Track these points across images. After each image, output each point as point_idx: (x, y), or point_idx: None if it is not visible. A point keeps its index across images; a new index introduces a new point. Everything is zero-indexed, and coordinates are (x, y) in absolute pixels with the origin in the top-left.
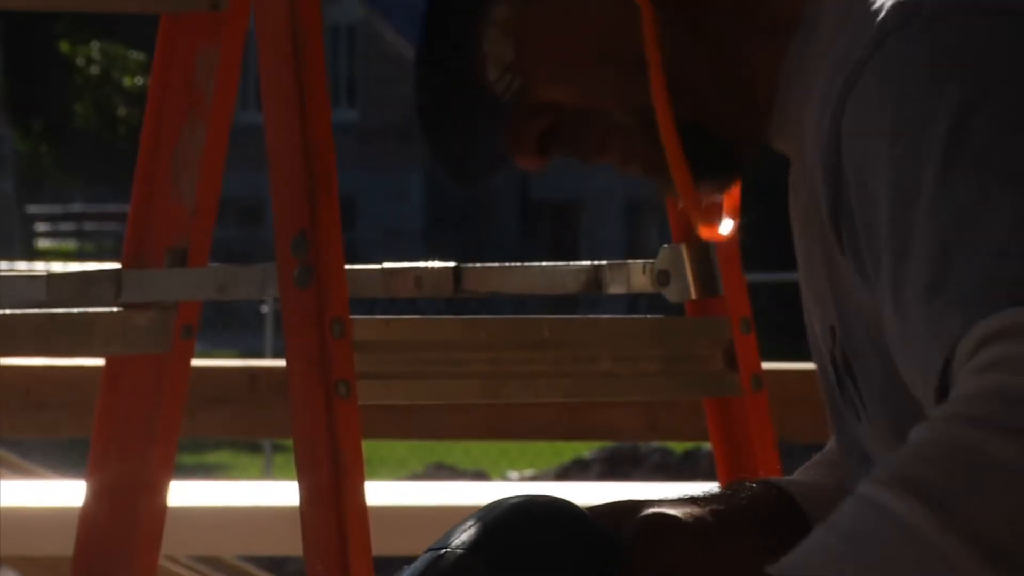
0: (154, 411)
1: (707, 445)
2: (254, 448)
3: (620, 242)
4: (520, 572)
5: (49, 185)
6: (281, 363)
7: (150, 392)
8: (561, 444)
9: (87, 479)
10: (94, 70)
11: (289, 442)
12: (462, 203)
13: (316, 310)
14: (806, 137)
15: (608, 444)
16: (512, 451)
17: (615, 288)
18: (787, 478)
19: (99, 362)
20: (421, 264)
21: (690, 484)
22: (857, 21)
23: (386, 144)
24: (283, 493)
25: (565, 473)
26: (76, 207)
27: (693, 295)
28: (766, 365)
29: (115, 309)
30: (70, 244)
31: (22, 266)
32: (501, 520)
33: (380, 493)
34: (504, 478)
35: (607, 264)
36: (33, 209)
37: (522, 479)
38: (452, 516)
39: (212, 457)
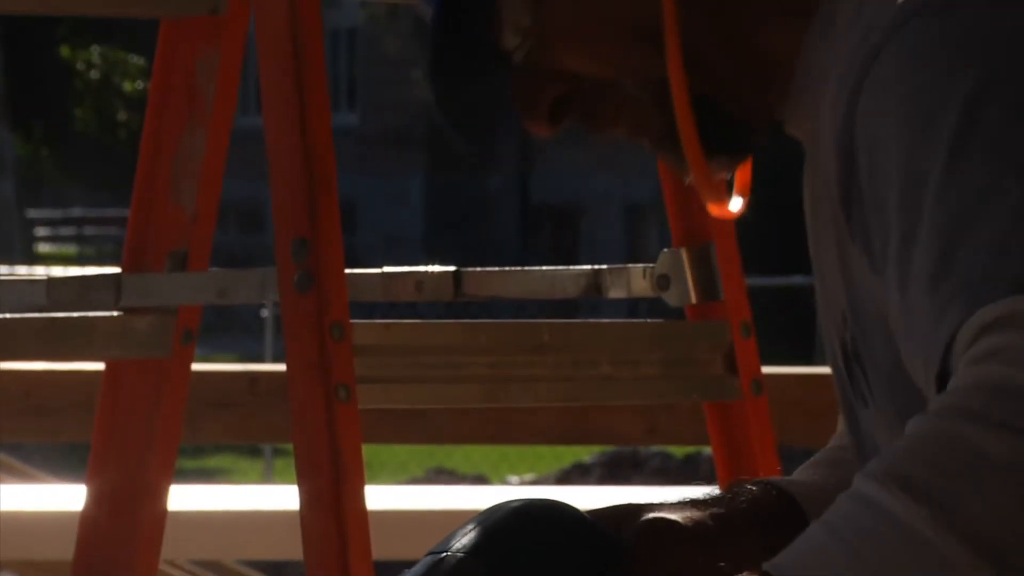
0: (154, 415)
1: (707, 449)
2: (254, 452)
3: (620, 246)
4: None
5: (49, 189)
6: (281, 367)
7: (150, 396)
8: (561, 448)
9: (87, 483)
10: (94, 74)
11: (289, 446)
12: (462, 207)
13: (316, 314)
14: (821, 122)
15: (608, 448)
16: (512, 455)
17: (615, 292)
18: (787, 478)
19: (99, 366)
20: (421, 268)
21: (690, 488)
22: (875, 7)
23: (386, 148)
24: (283, 497)
25: (565, 477)
26: (76, 211)
27: (693, 299)
28: (766, 369)
29: (115, 313)
30: (70, 248)
31: (22, 270)
32: (501, 524)
33: (380, 497)
34: (504, 482)
35: (607, 268)
36: (33, 213)
37: (522, 483)
38: (452, 520)
39: (212, 461)
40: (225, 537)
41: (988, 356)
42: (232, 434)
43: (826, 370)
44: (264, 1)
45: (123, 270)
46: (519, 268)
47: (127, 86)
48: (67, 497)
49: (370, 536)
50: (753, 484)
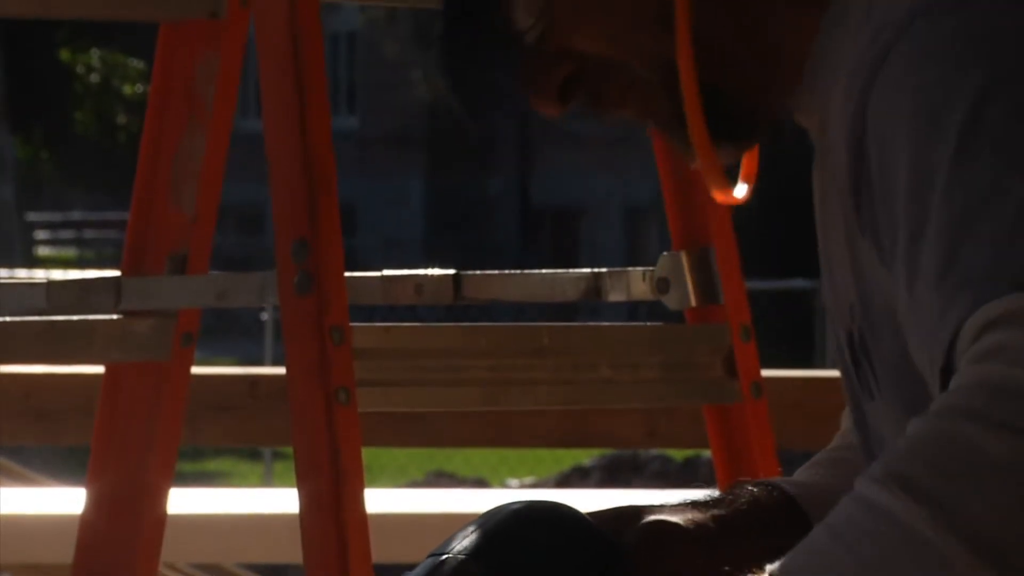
0: (154, 418)
1: (707, 452)
2: (254, 455)
3: (620, 249)
4: None
5: (49, 192)
6: (281, 370)
7: (150, 399)
8: (561, 451)
9: (87, 486)
10: (94, 78)
11: (289, 449)
12: (462, 210)
13: (316, 317)
14: (831, 116)
15: (608, 451)
16: (512, 458)
17: (615, 296)
18: (788, 479)
19: (99, 369)
20: (421, 271)
21: (690, 492)
22: (886, 4)
23: (386, 151)
24: (283, 500)
25: (565, 481)
26: (76, 214)
27: (693, 302)
28: (766, 372)
29: (115, 316)
30: (70, 251)
31: (22, 273)
32: (502, 526)
33: (380, 500)
34: (504, 486)
35: (607, 271)
36: (33, 216)
37: (522, 487)
38: (452, 523)
39: (212, 464)
40: (225, 540)
41: (989, 354)
42: (232, 437)
43: (826, 373)
44: (264, 5)
45: (123, 273)
46: (519, 271)
47: (127, 89)
48: (67, 500)
49: (370, 539)
50: (754, 485)
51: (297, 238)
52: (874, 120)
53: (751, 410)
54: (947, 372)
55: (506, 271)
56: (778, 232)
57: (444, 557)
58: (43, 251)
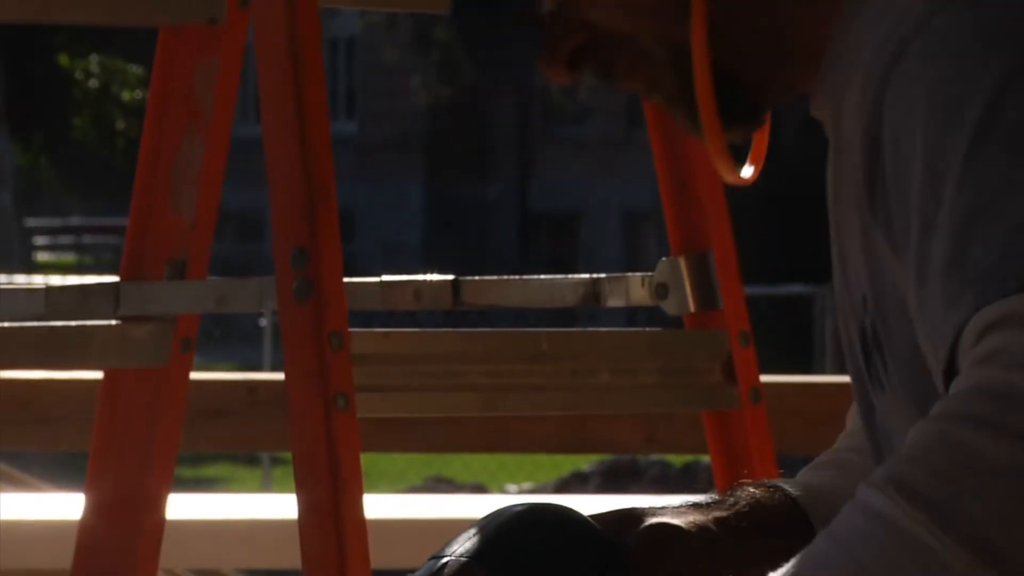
0: (153, 424)
1: (706, 458)
2: (253, 461)
3: (619, 254)
4: None
5: (48, 198)
6: (280, 376)
7: (149, 405)
8: (560, 457)
9: (86, 492)
10: (93, 84)
11: (288, 455)
12: (461, 215)
13: (315, 323)
14: (847, 108)
15: (607, 457)
16: (511, 464)
17: (614, 301)
18: (790, 480)
19: (98, 375)
20: (420, 277)
21: (686, 497)
22: None
23: (385, 157)
24: (282, 506)
25: (564, 486)
26: (75, 220)
27: (692, 308)
28: (765, 378)
29: (114, 322)
30: (69, 257)
31: (21, 279)
32: (504, 528)
33: (379, 506)
34: (503, 491)
35: (605, 277)
36: (32, 222)
37: (521, 492)
38: (450, 529)
39: (211, 470)
40: (223, 546)
41: (989, 357)
42: (231, 443)
43: (825, 379)
44: (263, 10)
45: (121, 278)
46: (517, 277)
47: (126, 95)
48: (66, 506)
49: (368, 545)
50: (755, 487)
51: (296, 245)
52: (890, 114)
53: (750, 416)
54: (950, 372)
55: (505, 276)
56: (777, 237)
57: (445, 559)
58: (42, 256)
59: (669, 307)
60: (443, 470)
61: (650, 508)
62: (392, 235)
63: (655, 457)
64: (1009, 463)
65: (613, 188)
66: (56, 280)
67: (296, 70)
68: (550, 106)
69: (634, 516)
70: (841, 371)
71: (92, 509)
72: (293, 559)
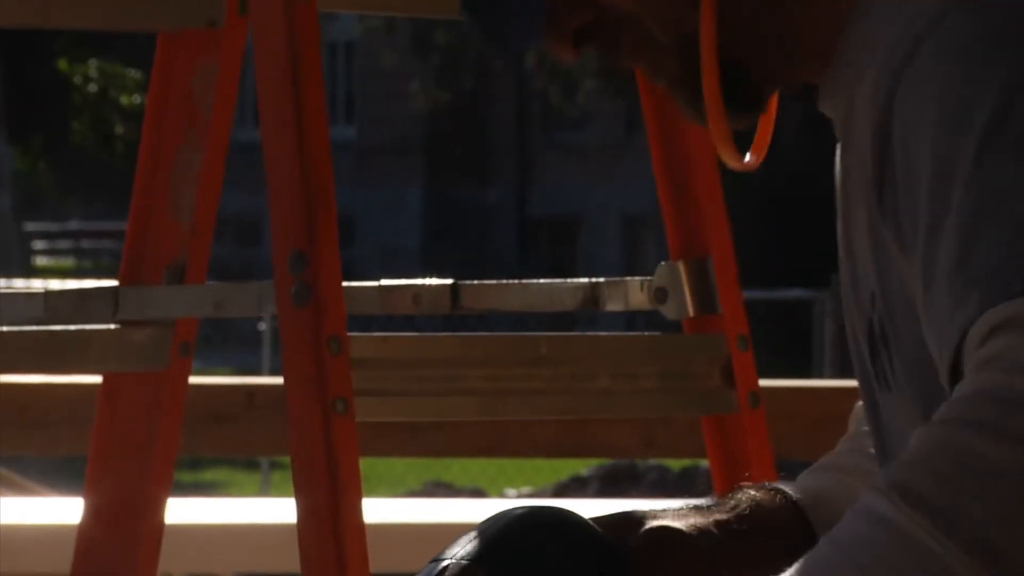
0: (152, 428)
1: (704, 462)
2: (251, 465)
3: (618, 259)
4: None
5: (47, 202)
6: (279, 380)
7: (148, 409)
8: (559, 461)
9: (85, 496)
10: (92, 88)
11: (287, 459)
12: (460, 220)
13: (314, 328)
14: (858, 104)
15: (606, 461)
16: (510, 468)
17: (613, 305)
18: (792, 483)
19: (97, 379)
20: (419, 281)
21: (690, 500)
22: None
23: (384, 161)
24: (281, 510)
25: (563, 490)
26: (74, 224)
27: (691, 312)
28: (763, 382)
29: (112, 326)
30: (68, 261)
31: (20, 283)
32: (504, 531)
33: (378, 510)
34: (502, 495)
35: (604, 281)
36: (31, 226)
37: (520, 496)
38: (449, 533)
39: (209, 474)
40: (222, 550)
41: (992, 361)
42: (229, 447)
43: (824, 383)
44: (262, 14)
45: (120, 283)
46: (516, 281)
47: (125, 100)
48: (65, 510)
49: (367, 549)
50: (756, 489)
51: (295, 249)
52: (901, 113)
53: (749, 420)
54: (955, 373)
55: (504, 281)
56: (776, 242)
57: (446, 562)
58: (41, 261)
59: (668, 311)
60: (442, 474)
61: (650, 511)
62: (391, 239)
63: (654, 461)
64: (1011, 467)
65: (612, 192)
66: (55, 284)
67: (295, 74)
68: (549, 111)
69: (634, 519)
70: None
71: (91, 513)
72: (292, 563)
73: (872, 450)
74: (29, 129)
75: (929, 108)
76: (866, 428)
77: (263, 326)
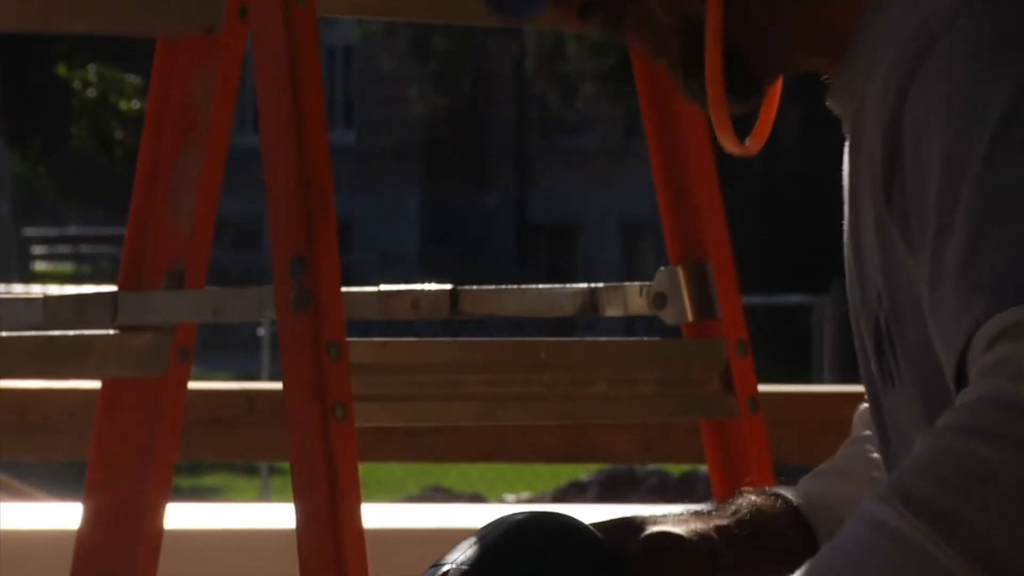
0: (151, 433)
1: (704, 467)
2: (251, 471)
3: (617, 264)
4: None
5: (46, 208)
6: (278, 386)
7: (147, 414)
8: (558, 467)
9: (84, 501)
10: (91, 93)
11: (286, 465)
12: (459, 225)
13: (313, 333)
14: (868, 102)
15: (605, 466)
16: (509, 473)
17: (612, 311)
18: (792, 488)
19: (96, 384)
20: (418, 286)
21: (687, 506)
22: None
23: (383, 166)
24: (280, 516)
25: (562, 496)
26: (73, 230)
27: (690, 317)
28: (763, 387)
29: (111, 332)
30: (67, 267)
31: (19, 289)
32: (504, 536)
33: (377, 515)
34: (501, 501)
35: (604, 287)
36: (30, 232)
37: (519, 501)
38: (449, 539)
39: (209, 480)
40: (222, 556)
41: (996, 367)
42: (229, 452)
43: (823, 388)
44: (261, 19)
45: (119, 288)
46: (516, 286)
47: (124, 105)
48: (64, 515)
49: (366, 554)
50: (756, 494)
51: (294, 254)
52: (912, 111)
53: (748, 425)
54: (960, 376)
55: (503, 286)
56: (775, 247)
57: (446, 567)
58: (40, 266)
59: (667, 316)
60: (441, 479)
61: (651, 516)
62: (390, 244)
63: (653, 466)
64: (1014, 474)
65: (611, 198)
66: (54, 290)
67: (294, 79)
68: (548, 116)
69: (635, 525)
70: (839, 380)
71: (90, 518)
72: (291, 569)
73: (874, 455)
74: (28, 134)
75: (940, 108)
76: (867, 433)
77: (262, 331)
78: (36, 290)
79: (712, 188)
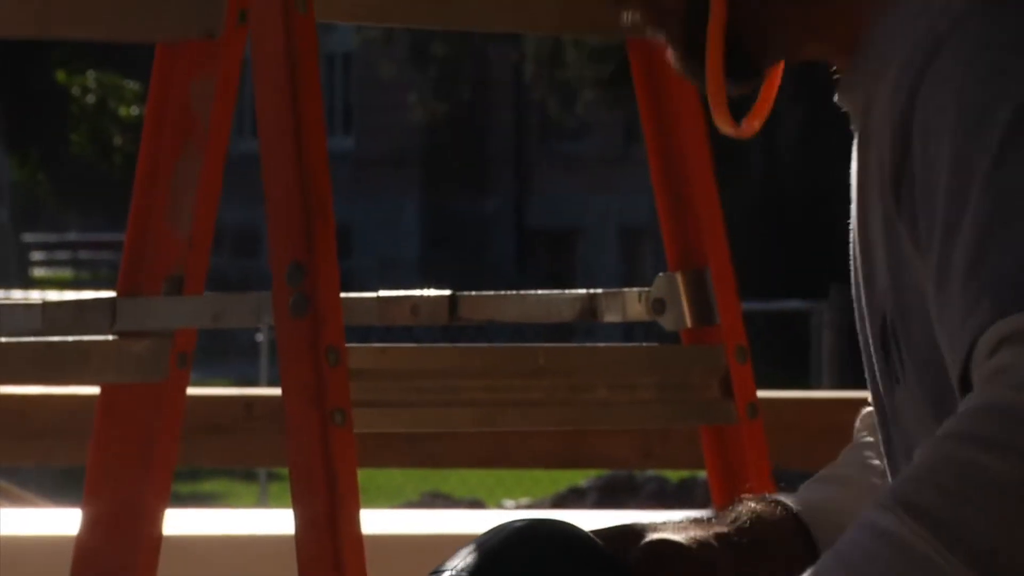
0: (150, 439)
1: (703, 474)
2: (249, 476)
3: (616, 270)
4: None
5: (45, 214)
6: (277, 391)
7: (146, 420)
8: (557, 472)
9: (83, 507)
10: (90, 99)
11: (285, 470)
12: (458, 231)
13: (312, 339)
14: (878, 100)
15: (604, 472)
16: (508, 479)
17: (611, 316)
18: (792, 495)
19: (95, 390)
20: (417, 292)
21: (687, 513)
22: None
23: (382, 172)
24: (279, 522)
25: (561, 501)
26: (72, 235)
27: (689, 323)
28: (762, 393)
29: (110, 337)
30: (66, 272)
31: (18, 295)
32: (504, 544)
33: (376, 521)
34: (500, 506)
35: (603, 292)
36: (29, 238)
37: (518, 507)
38: (448, 544)
39: (207, 485)
40: (220, 562)
41: (998, 374)
42: (227, 458)
43: (822, 394)
44: (260, 25)
45: (118, 294)
46: (515, 292)
47: (122, 111)
48: (62, 521)
49: (365, 560)
50: (757, 501)
51: (293, 260)
52: (922, 111)
53: (747, 431)
54: (965, 380)
55: (502, 292)
56: (774, 253)
57: (445, 574)
58: (39, 272)
59: (666, 322)
60: (440, 485)
61: (651, 524)
62: (389, 250)
63: (652, 472)
64: (1015, 481)
65: (610, 203)
66: (53, 296)
67: (293, 85)
68: (548, 121)
69: (635, 532)
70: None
71: (89, 524)
72: (290, 574)
73: (874, 461)
74: (27, 140)
75: (950, 108)
76: (868, 439)
77: (261, 337)
78: (35, 296)
79: (711, 194)
